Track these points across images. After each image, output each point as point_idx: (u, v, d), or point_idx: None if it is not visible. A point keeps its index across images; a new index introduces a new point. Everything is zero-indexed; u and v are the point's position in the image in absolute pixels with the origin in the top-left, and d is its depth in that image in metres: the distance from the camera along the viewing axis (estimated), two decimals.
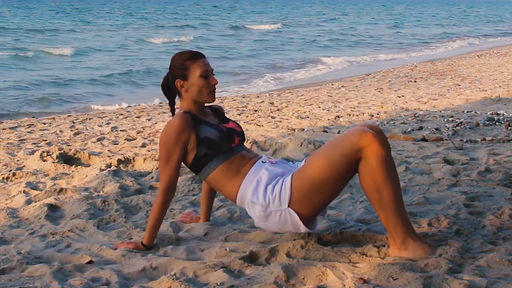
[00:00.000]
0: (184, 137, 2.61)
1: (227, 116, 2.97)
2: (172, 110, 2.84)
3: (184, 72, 2.68)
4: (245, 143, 2.85)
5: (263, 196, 2.53)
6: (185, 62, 2.68)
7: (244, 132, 2.87)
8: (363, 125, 2.48)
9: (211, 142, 2.61)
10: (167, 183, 2.66)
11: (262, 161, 2.64)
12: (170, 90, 2.79)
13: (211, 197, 3.07)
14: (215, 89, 2.72)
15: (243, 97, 10.71)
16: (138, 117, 8.22)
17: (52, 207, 3.43)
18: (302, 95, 10.40)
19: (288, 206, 2.50)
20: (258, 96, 10.74)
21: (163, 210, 2.70)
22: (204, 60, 2.71)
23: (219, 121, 2.78)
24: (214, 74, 2.74)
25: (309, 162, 2.52)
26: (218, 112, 2.87)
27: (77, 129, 7.16)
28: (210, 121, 2.73)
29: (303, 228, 2.54)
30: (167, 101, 2.87)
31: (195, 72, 2.67)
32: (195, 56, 2.70)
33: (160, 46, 21.20)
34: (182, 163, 2.69)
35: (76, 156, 4.86)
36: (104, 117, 8.52)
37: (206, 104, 2.81)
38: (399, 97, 9.38)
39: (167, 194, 2.68)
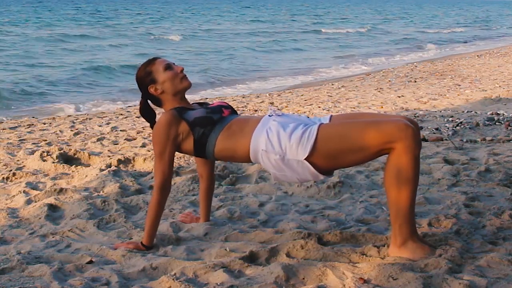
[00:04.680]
0: (173, 132, 2.64)
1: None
2: None
3: (150, 76, 2.77)
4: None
5: (278, 144, 2.47)
6: (146, 69, 2.79)
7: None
8: (406, 118, 2.47)
9: (201, 119, 2.63)
10: (161, 180, 2.67)
11: (269, 115, 2.61)
12: (148, 111, 2.86)
13: (209, 195, 3.07)
14: (184, 74, 2.79)
15: (243, 97, 10.71)
16: (138, 117, 8.21)
17: (52, 207, 3.43)
18: (302, 95, 10.39)
19: (306, 158, 2.43)
20: (258, 96, 10.74)
21: (160, 208, 2.70)
22: (160, 59, 2.83)
23: (204, 106, 2.82)
24: (175, 64, 2.81)
25: (345, 124, 2.47)
26: (203, 103, 2.91)
27: (77, 129, 7.16)
28: (195, 108, 2.77)
29: (321, 176, 2.49)
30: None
31: (159, 70, 2.76)
32: (151, 60, 2.82)
33: None
34: (187, 155, 2.71)
35: (76, 156, 4.86)
36: (104, 117, 8.52)
37: (192, 103, 2.87)
38: (399, 97, 9.38)
39: (163, 192, 2.69)
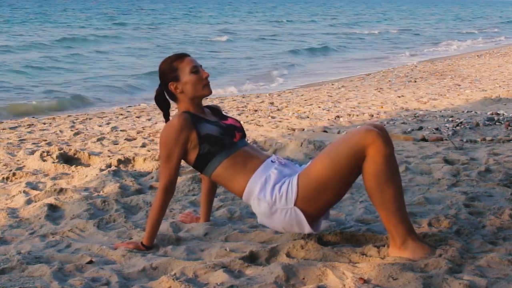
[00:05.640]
0: (183, 137, 2.62)
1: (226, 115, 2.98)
2: (167, 121, 2.84)
3: (175, 73, 2.71)
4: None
5: (270, 194, 2.52)
6: (172, 64, 2.72)
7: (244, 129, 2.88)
8: (368, 124, 2.49)
9: (213, 138, 2.62)
10: (166, 182, 2.66)
11: (271, 161, 2.65)
12: (163, 100, 2.81)
13: (211, 197, 3.07)
14: (208, 81, 2.75)
15: (243, 97, 10.71)
16: (138, 117, 8.21)
17: (52, 207, 3.43)
18: (302, 95, 10.40)
19: (295, 205, 2.50)
20: (258, 96, 10.74)
21: (162, 209, 2.70)
22: (190, 58, 2.76)
23: (218, 119, 2.80)
24: (202, 68, 2.77)
25: (315, 162, 2.52)
26: (216, 110, 2.89)
27: (77, 129, 7.16)
28: (210, 118, 2.75)
29: (307, 229, 2.53)
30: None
31: (185, 70, 2.71)
32: (181, 56, 2.75)
33: None
34: (185, 162, 2.71)
35: (76, 156, 4.86)
36: (104, 117, 8.52)
37: (204, 104, 2.85)
38: (399, 97, 9.38)
39: (167, 194, 2.68)
